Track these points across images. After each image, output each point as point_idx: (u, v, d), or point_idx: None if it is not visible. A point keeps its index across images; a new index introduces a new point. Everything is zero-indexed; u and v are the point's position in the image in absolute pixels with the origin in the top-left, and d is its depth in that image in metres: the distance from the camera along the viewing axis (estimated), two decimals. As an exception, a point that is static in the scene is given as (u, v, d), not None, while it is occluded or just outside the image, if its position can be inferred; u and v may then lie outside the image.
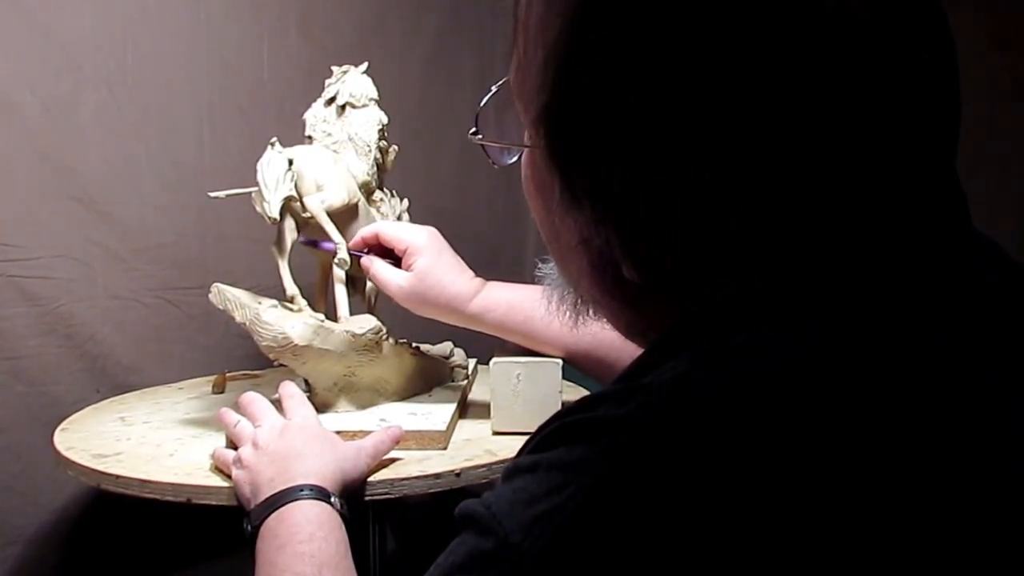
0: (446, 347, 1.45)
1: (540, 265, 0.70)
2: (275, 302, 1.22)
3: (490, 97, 0.65)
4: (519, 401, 1.18)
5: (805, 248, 0.49)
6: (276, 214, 1.18)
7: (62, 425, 1.29)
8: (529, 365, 1.18)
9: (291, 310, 1.21)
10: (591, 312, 0.62)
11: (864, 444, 0.44)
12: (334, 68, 1.38)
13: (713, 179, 0.47)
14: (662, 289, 0.52)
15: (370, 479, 1.03)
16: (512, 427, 1.18)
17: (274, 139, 1.22)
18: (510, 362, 1.19)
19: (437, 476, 1.05)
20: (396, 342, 1.29)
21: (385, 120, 1.38)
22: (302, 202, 1.23)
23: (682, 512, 0.42)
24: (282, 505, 0.89)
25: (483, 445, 1.15)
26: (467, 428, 1.23)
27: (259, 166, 1.20)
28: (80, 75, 1.50)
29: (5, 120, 1.43)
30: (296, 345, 1.15)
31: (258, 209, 1.19)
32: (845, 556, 0.42)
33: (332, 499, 0.92)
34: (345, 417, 1.20)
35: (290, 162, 1.21)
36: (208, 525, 1.34)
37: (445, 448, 1.13)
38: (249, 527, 0.91)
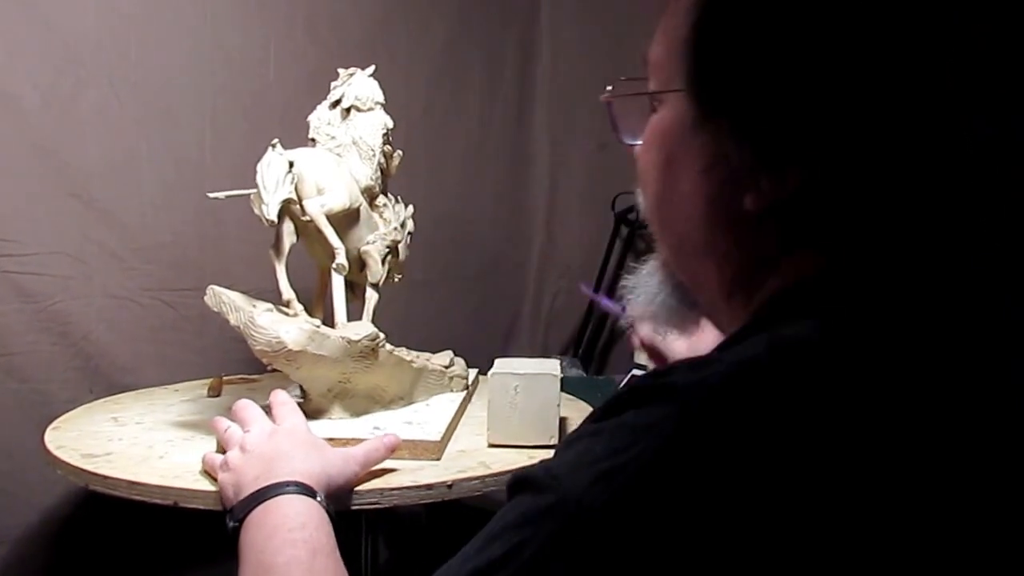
0: (446, 356, 1.44)
1: (627, 277, 0.71)
2: (270, 306, 1.20)
3: (617, 88, 0.67)
4: (516, 413, 1.16)
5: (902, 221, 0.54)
6: (274, 216, 1.16)
7: (54, 424, 1.28)
8: (527, 377, 1.16)
9: (287, 314, 1.20)
10: (691, 283, 0.64)
11: (897, 423, 0.46)
12: (340, 71, 1.37)
13: (841, 93, 0.51)
14: (776, 218, 0.55)
15: (360, 488, 1.01)
16: (508, 439, 1.16)
17: (275, 140, 1.21)
18: (508, 374, 1.17)
19: (429, 487, 1.03)
20: (394, 350, 1.27)
21: (390, 124, 1.37)
22: (302, 205, 1.22)
23: (743, 476, 0.44)
24: (268, 499, 0.88)
25: (477, 457, 1.13)
26: (463, 439, 1.21)
27: (259, 167, 1.18)
28: (82, 71, 1.50)
29: (5, 114, 1.42)
30: (290, 350, 1.14)
31: (256, 211, 1.17)
32: (892, 515, 0.44)
33: (318, 497, 0.90)
34: (339, 424, 1.19)
35: (291, 164, 1.20)
36: (197, 528, 1.32)
37: (439, 459, 1.12)
38: (231, 523, 0.89)
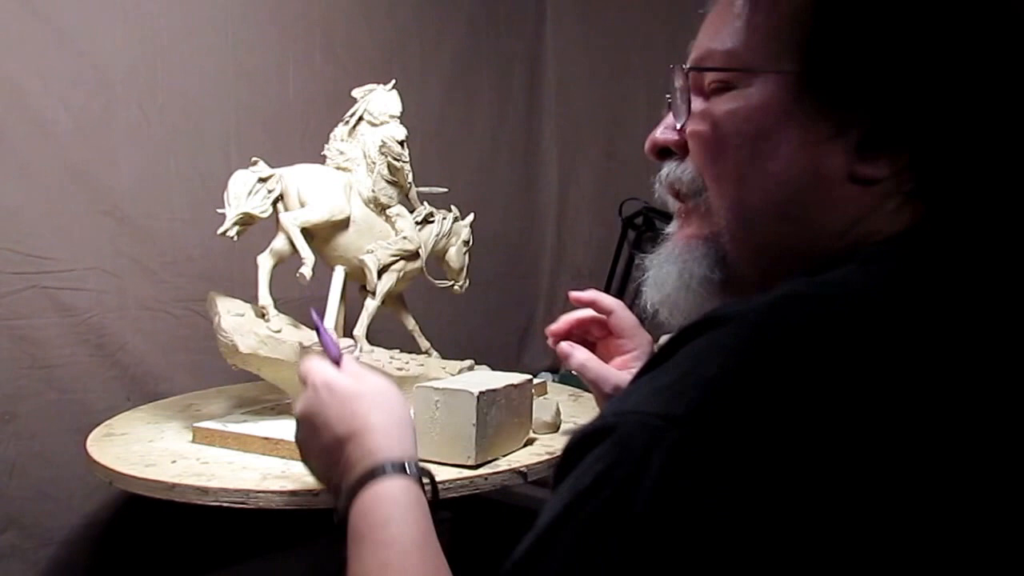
0: (466, 365, 1.46)
1: (642, 256, 0.75)
2: (278, 316, 1.27)
3: (679, 71, 0.71)
4: (437, 428, 1.11)
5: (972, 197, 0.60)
6: (228, 228, 1.24)
7: (94, 431, 1.31)
8: (447, 393, 1.11)
9: (265, 321, 1.26)
10: (754, 250, 0.67)
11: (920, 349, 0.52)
12: (355, 94, 1.42)
13: (944, 91, 0.59)
14: (856, 196, 0.61)
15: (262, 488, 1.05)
16: (429, 455, 1.08)
17: (255, 158, 1.28)
18: (429, 388, 1.12)
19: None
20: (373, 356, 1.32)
21: (399, 136, 1.40)
22: (278, 218, 1.28)
23: (801, 383, 0.50)
24: (357, 495, 0.81)
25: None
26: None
27: (228, 183, 1.25)
28: (112, 93, 1.56)
29: (40, 137, 1.48)
30: (242, 353, 1.21)
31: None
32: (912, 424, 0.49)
33: (409, 470, 0.82)
34: None
35: (263, 179, 1.26)
36: (232, 528, 1.38)
37: None
38: (337, 521, 0.83)
